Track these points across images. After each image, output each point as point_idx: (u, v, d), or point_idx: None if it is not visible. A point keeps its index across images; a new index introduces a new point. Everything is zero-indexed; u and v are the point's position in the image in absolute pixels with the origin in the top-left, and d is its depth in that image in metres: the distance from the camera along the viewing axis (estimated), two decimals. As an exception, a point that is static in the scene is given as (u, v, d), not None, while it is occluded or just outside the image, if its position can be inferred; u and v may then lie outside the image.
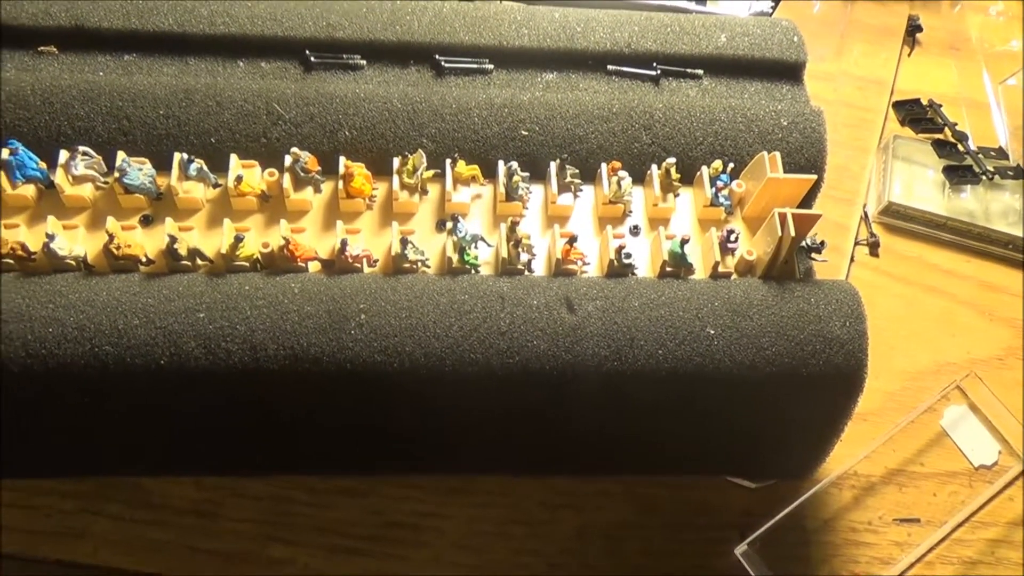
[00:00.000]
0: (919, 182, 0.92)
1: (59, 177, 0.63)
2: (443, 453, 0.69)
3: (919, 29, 1.06)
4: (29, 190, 0.63)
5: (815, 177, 0.68)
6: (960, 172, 0.92)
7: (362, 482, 0.73)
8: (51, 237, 0.60)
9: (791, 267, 0.66)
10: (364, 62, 0.72)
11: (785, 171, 0.67)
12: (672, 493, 0.75)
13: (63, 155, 0.63)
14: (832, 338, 0.63)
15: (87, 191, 0.64)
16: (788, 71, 0.77)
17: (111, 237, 0.61)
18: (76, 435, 0.64)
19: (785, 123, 0.71)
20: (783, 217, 0.63)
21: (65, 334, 0.58)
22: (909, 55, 1.05)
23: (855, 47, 1.04)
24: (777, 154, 0.67)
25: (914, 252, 0.91)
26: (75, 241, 0.62)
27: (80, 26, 0.69)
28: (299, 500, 0.72)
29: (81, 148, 0.64)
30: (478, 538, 0.72)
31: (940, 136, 0.96)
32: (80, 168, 0.64)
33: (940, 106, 0.98)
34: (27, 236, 0.62)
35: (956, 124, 0.96)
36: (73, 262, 0.61)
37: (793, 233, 0.63)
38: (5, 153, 0.62)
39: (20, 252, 0.60)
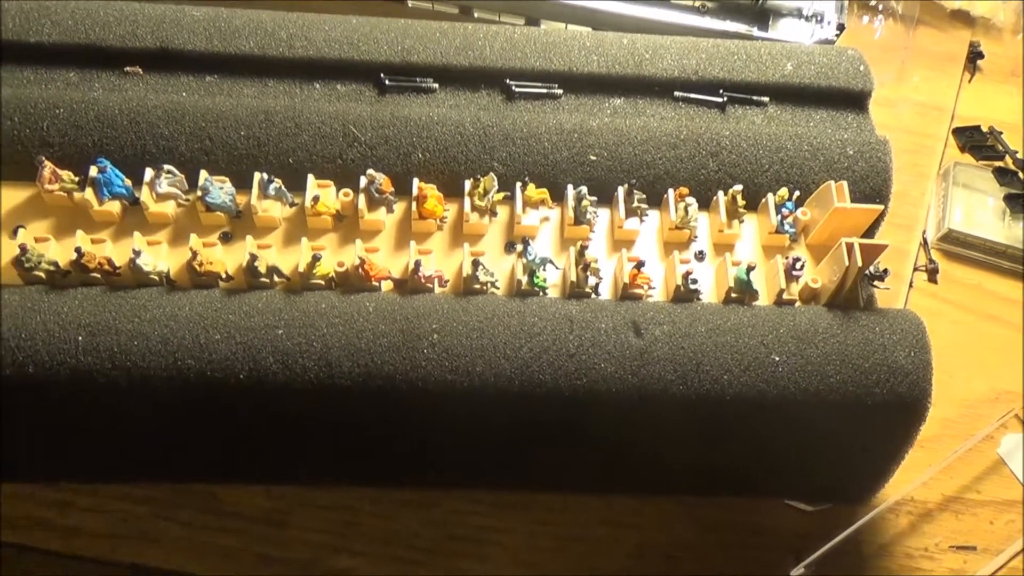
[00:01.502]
0: (979, 209, 0.92)
1: (144, 194, 0.65)
2: (508, 469, 0.70)
3: (980, 56, 1.06)
4: (115, 207, 0.66)
5: (882, 207, 0.69)
6: (1021, 200, 0.92)
7: (425, 494, 0.74)
8: (137, 253, 0.62)
9: (855, 295, 0.67)
10: (437, 85, 0.74)
11: (851, 200, 0.67)
12: (730, 514, 0.76)
13: (148, 173, 0.65)
14: (897, 367, 0.63)
15: (170, 208, 0.66)
16: (854, 100, 0.77)
17: (194, 254, 0.62)
18: (154, 443, 0.66)
19: (851, 152, 0.72)
20: (850, 247, 0.64)
21: (150, 347, 0.60)
22: (970, 81, 1.05)
23: (916, 73, 1.04)
24: (844, 183, 0.67)
25: (973, 279, 0.91)
26: (158, 257, 0.64)
27: (165, 48, 0.72)
28: (364, 511, 0.73)
29: (165, 167, 0.66)
30: (538, 553, 0.73)
31: (1001, 164, 0.96)
32: (164, 186, 0.66)
33: (1001, 133, 0.98)
34: (113, 251, 0.64)
35: (1017, 152, 0.96)
36: (157, 277, 0.63)
37: (860, 263, 0.63)
38: (94, 171, 0.65)
39: (107, 267, 0.62)
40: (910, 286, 0.89)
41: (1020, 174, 0.94)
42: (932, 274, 0.91)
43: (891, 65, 1.04)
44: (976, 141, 0.98)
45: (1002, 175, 0.94)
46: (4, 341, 0.59)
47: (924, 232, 0.93)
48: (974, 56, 1.06)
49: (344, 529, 0.72)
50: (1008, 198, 0.92)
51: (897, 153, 0.74)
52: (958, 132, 1.00)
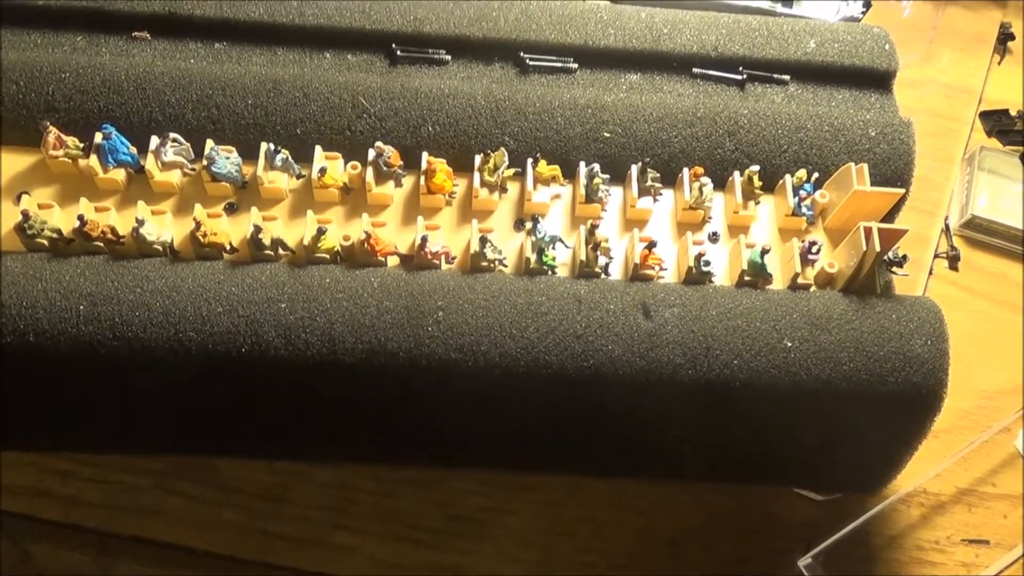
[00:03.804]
0: (1005, 196, 0.90)
1: (149, 163, 0.64)
2: (512, 450, 0.69)
3: (1011, 37, 1.03)
4: (119, 174, 0.65)
5: (903, 191, 0.67)
6: (1048, 187, 0.90)
7: (428, 474, 0.74)
8: (140, 222, 0.61)
9: (872, 281, 0.65)
10: (449, 57, 0.72)
11: (871, 183, 0.66)
12: (738, 501, 0.75)
13: (154, 141, 0.64)
14: (912, 356, 0.62)
15: (175, 177, 0.65)
16: (878, 80, 0.75)
17: (198, 224, 0.61)
18: (155, 415, 0.65)
19: (873, 133, 0.70)
20: (868, 231, 0.62)
21: (151, 319, 0.59)
22: (999, 64, 1.03)
23: (943, 54, 1.02)
24: (864, 166, 0.66)
25: (996, 268, 0.89)
26: (162, 226, 0.63)
27: (173, 13, 0.71)
28: (366, 489, 0.73)
29: (171, 135, 0.65)
30: (542, 535, 0.73)
31: (1028, 149, 0.94)
32: (169, 154, 0.65)
33: (1030, 118, 0.96)
34: (116, 220, 0.63)
35: (1045, 137, 0.94)
36: (160, 247, 0.62)
37: (878, 248, 0.62)
38: (99, 137, 0.64)
39: (110, 236, 0.61)
40: (930, 273, 0.88)
41: (1048, 160, 0.92)
42: (953, 261, 0.89)
43: (918, 45, 1.01)
44: (1003, 125, 0.96)
45: (1030, 161, 0.92)
46: (5, 308, 0.58)
47: (946, 218, 0.91)
48: (1004, 37, 1.03)
49: (345, 506, 0.72)
50: (1035, 185, 0.90)
51: (921, 136, 0.72)
52: (985, 116, 0.97)
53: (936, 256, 0.89)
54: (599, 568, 0.72)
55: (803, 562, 0.71)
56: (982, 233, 0.89)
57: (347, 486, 0.73)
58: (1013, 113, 0.96)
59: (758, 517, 0.74)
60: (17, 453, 0.71)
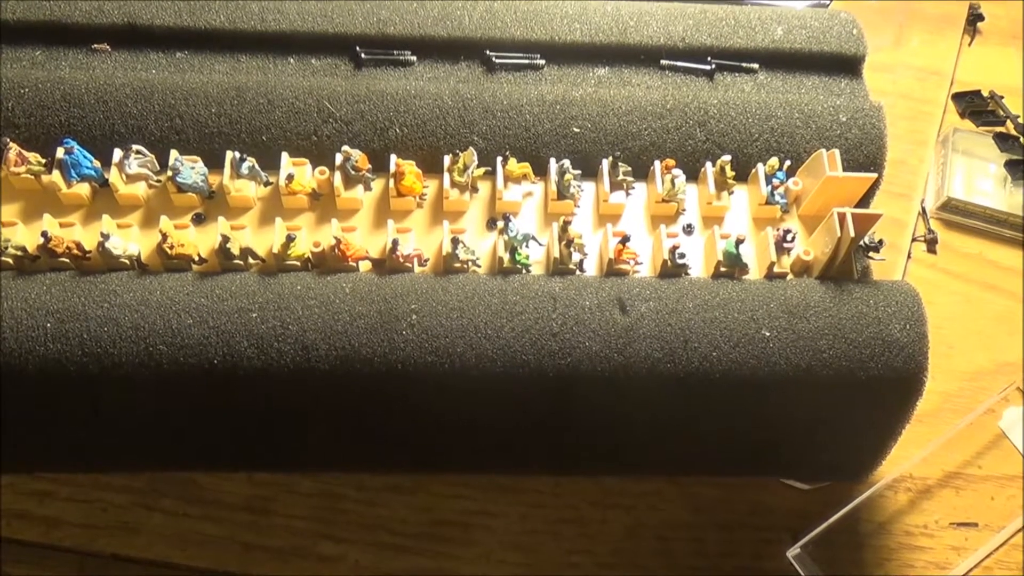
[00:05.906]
0: (979, 177, 0.90)
1: (113, 176, 0.63)
2: (493, 452, 0.68)
3: (980, 18, 1.03)
4: (84, 189, 0.64)
5: (875, 176, 0.67)
6: (1022, 166, 0.89)
7: (411, 480, 0.73)
8: (106, 236, 0.60)
9: (849, 267, 0.65)
10: (415, 58, 0.72)
11: (843, 168, 0.65)
12: (724, 493, 0.74)
13: (117, 154, 0.64)
14: (891, 341, 0.61)
15: (140, 190, 0.64)
16: (847, 65, 0.75)
17: (164, 236, 0.61)
18: (130, 432, 0.65)
19: (844, 119, 0.70)
20: (842, 217, 0.62)
21: (120, 333, 0.58)
22: (970, 45, 1.02)
23: (914, 37, 1.02)
24: (836, 152, 0.65)
25: (974, 249, 0.89)
26: (129, 240, 0.63)
27: (133, 24, 0.70)
28: (349, 497, 0.72)
29: (135, 147, 0.64)
30: (528, 537, 0.72)
31: (1002, 129, 0.94)
32: (134, 167, 0.64)
33: (1002, 98, 0.95)
34: (82, 235, 0.62)
35: (1018, 117, 0.94)
36: (127, 261, 0.61)
37: (853, 234, 0.61)
38: (61, 152, 0.63)
39: (76, 251, 0.61)
40: (908, 257, 0.87)
41: (1021, 139, 0.92)
42: (931, 244, 0.88)
43: (888, 28, 1.01)
44: (976, 106, 0.96)
45: (1003, 141, 0.91)
46: (-30, 329, 0.57)
47: (923, 201, 0.90)
48: (974, 18, 1.03)
49: (328, 516, 0.71)
50: (1009, 164, 0.90)
51: (895, 120, 0.72)
52: (957, 97, 0.97)
53: (914, 239, 0.88)
54: (586, 567, 0.71)
55: (792, 552, 0.71)
56: (958, 215, 0.89)
57: (330, 495, 0.72)
58: (985, 94, 0.96)
59: (745, 508, 0.74)
60: (-8, 476, 0.70)
